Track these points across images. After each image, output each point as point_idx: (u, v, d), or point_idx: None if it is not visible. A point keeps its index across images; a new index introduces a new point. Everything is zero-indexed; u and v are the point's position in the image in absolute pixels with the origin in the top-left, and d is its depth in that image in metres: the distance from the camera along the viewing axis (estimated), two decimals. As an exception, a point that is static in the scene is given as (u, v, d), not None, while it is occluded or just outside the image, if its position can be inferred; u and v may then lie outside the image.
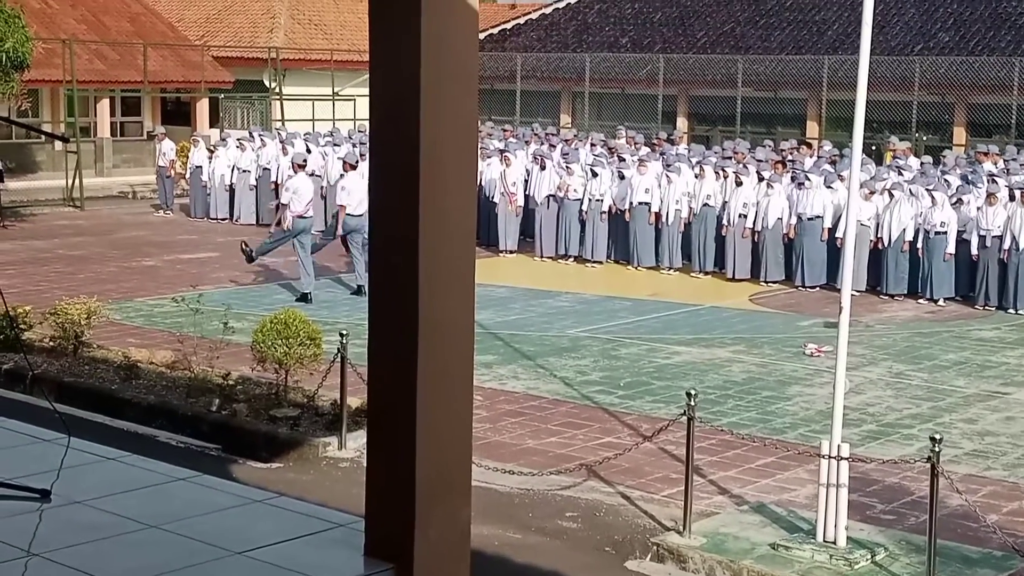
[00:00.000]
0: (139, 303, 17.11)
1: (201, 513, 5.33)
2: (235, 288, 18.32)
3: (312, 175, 23.48)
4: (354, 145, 22.91)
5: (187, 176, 27.61)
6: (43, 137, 31.29)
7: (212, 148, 26.57)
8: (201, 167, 26.39)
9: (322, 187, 23.51)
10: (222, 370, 12.46)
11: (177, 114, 37.60)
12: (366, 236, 16.70)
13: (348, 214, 17.55)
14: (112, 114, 35.23)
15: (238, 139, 26.60)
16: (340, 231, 17.90)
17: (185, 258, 21.20)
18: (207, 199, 26.29)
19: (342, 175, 19.11)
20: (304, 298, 17.23)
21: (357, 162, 18.48)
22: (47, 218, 26.64)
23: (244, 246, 18.27)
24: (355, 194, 17.40)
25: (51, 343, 13.56)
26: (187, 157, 27.87)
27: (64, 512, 5.26)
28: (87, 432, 7.71)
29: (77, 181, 28.56)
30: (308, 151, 24.14)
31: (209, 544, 4.95)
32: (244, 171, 25.69)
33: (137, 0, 37.56)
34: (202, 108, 36.09)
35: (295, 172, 18.26)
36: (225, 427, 11.46)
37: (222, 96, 36.45)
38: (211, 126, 35.05)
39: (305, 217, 17.56)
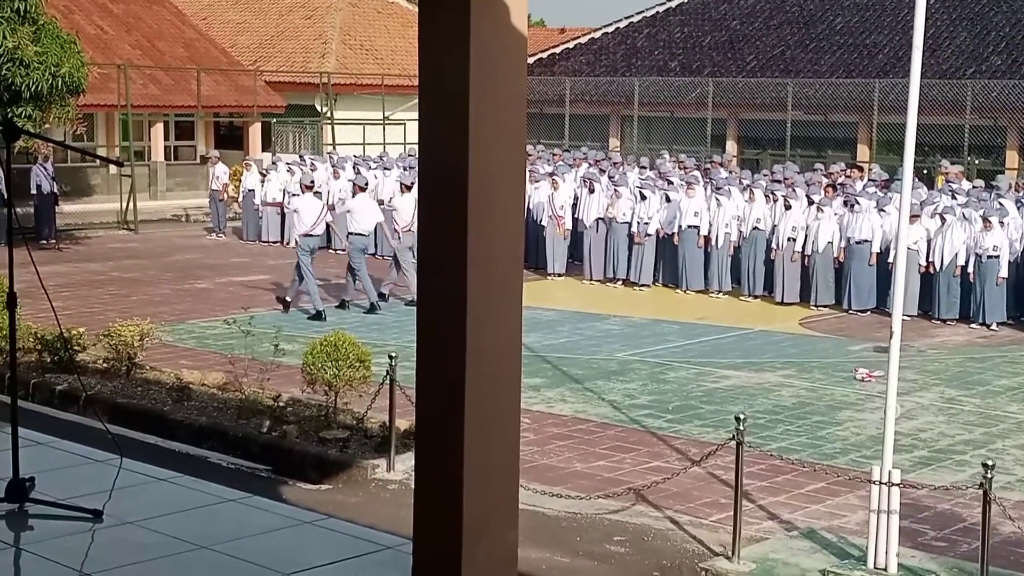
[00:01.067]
0: (191, 325, 17.27)
1: (251, 534, 5.38)
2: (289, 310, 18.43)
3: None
4: (363, 168, 23.57)
5: (239, 199, 27.90)
6: (98, 161, 31.67)
7: (264, 172, 26.81)
8: (253, 190, 26.64)
9: None
10: (273, 392, 12.55)
11: (230, 138, 37.98)
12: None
13: (356, 233, 18.36)
14: (166, 138, 35.64)
15: (288, 163, 26.82)
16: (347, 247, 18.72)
17: (237, 280, 21.38)
18: (259, 222, 26.52)
19: (351, 196, 20.07)
20: (318, 316, 17.71)
21: (366, 184, 19.47)
22: (101, 241, 26.96)
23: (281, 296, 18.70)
24: (361, 215, 18.40)
25: (104, 364, 13.71)
26: (239, 181, 28.14)
27: (116, 532, 5.33)
28: (139, 453, 7.80)
29: (131, 204, 28.90)
30: (357, 172, 24.45)
31: (258, 565, 4.99)
32: (294, 194, 25.86)
33: (191, 26, 38.02)
34: (254, 132, 36.44)
35: (302, 192, 18.96)
36: (275, 448, 11.53)
37: (274, 120, 36.80)
38: (263, 150, 35.36)
39: (312, 235, 18.09)
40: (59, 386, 13.26)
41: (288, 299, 18.38)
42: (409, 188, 19.05)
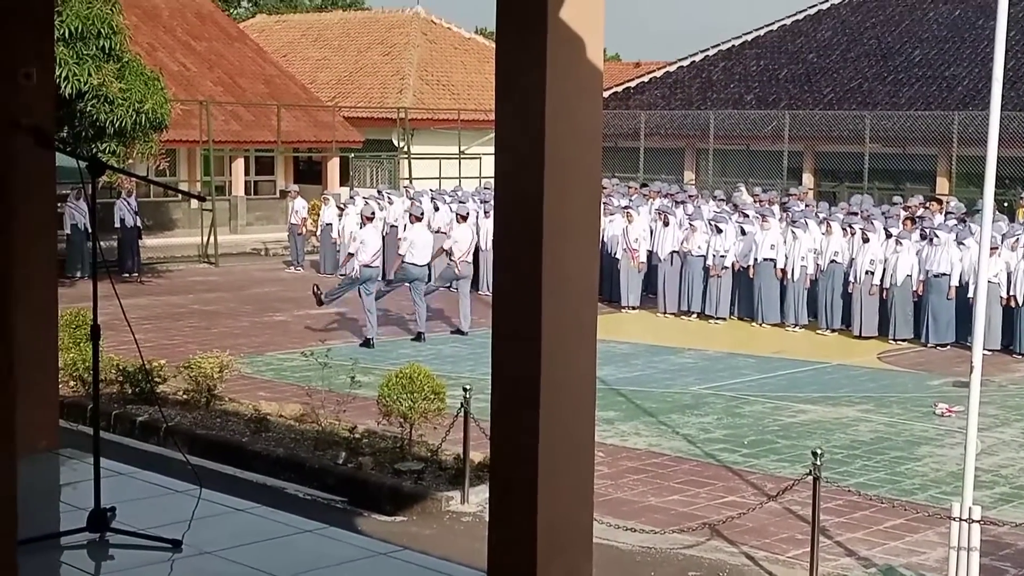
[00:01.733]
0: (269, 357, 17.46)
1: (327, 565, 5.43)
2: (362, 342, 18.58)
3: (438, 231, 24.35)
4: (421, 200, 24.18)
5: (317, 233, 28.23)
6: (180, 196, 32.21)
7: (342, 206, 27.10)
8: (331, 224, 26.93)
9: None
10: (349, 423, 12.65)
11: (309, 173, 38.47)
12: (428, 284, 19.33)
13: (411, 263, 18.87)
14: (246, 173, 36.19)
15: (366, 197, 27.10)
16: (398, 278, 19.21)
17: (315, 313, 21.57)
18: (336, 256, 26.77)
19: (406, 226, 20.66)
20: (367, 343, 18.16)
21: (422, 214, 19.95)
22: (182, 274, 27.38)
23: (316, 290, 19.40)
24: (417, 245, 18.91)
25: (185, 396, 13.90)
26: (318, 215, 28.47)
27: (194, 562, 5.40)
28: (218, 484, 7.90)
29: (212, 238, 29.33)
30: (436, 208, 24.81)
31: (334, 595, 5.03)
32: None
33: (271, 63, 38.63)
34: (333, 167, 36.87)
35: (363, 224, 19.53)
36: (351, 480, 11.61)
37: (352, 155, 37.20)
38: (341, 184, 35.75)
39: (371, 267, 18.54)
40: (140, 417, 13.47)
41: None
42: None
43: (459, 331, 19.42)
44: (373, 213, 20.32)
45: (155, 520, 5.74)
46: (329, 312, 20.44)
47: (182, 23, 37.23)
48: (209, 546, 5.52)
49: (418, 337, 18.88)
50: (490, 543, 4.65)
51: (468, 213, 20.34)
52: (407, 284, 19.01)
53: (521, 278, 4.42)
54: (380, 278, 19.56)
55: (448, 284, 20.30)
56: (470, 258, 19.68)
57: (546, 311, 4.36)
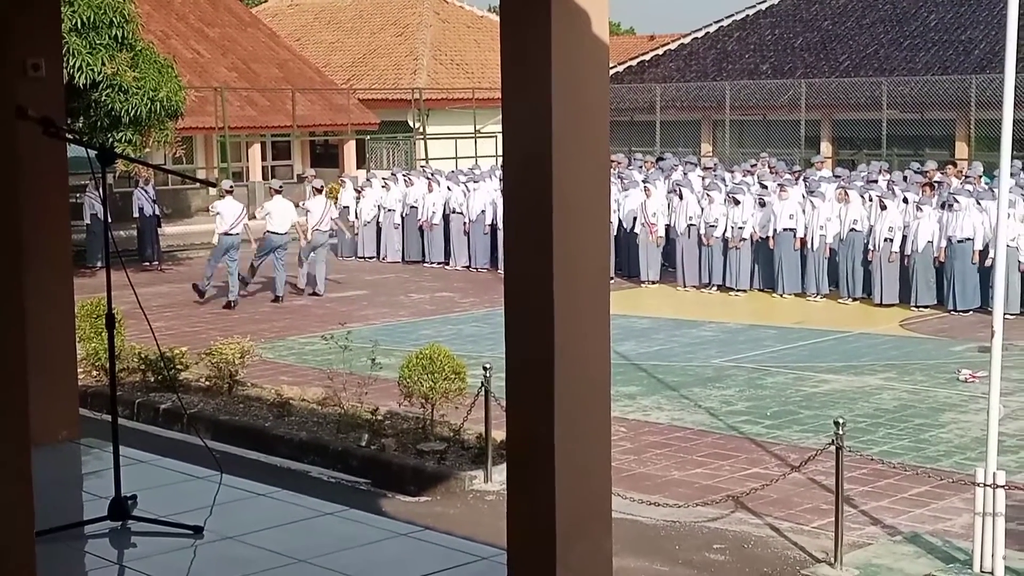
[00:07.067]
0: (291, 342, 17.50)
1: (350, 547, 5.44)
2: (382, 324, 18.63)
3: (455, 212, 24.39)
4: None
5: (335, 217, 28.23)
6: (197, 183, 32.24)
7: (359, 189, 27.10)
8: (348, 207, 26.94)
9: (465, 223, 24.43)
10: (371, 405, 12.67)
11: (325, 156, 38.49)
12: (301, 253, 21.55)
13: (272, 232, 20.62)
14: (263, 158, 36.23)
15: (383, 179, 27.11)
16: (264, 248, 20.83)
17: (334, 296, 21.61)
18: (355, 238, 26.80)
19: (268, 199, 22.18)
20: (228, 305, 20.28)
21: (280, 187, 21.94)
22: (202, 261, 27.36)
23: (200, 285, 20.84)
24: (275, 216, 20.70)
25: (207, 382, 13.95)
26: (335, 198, 28.48)
27: (217, 547, 5.42)
28: (241, 469, 7.93)
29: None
30: (450, 189, 24.90)
31: (355, 577, 5.04)
32: (389, 210, 26.17)
33: (285, 47, 38.61)
34: (349, 150, 36.88)
35: (223, 197, 20.96)
36: (374, 462, 11.64)
37: (368, 138, 37.20)
38: (358, 167, 35.77)
39: (231, 235, 20.31)
40: (163, 405, 13.52)
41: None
42: (319, 191, 22.21)
43: (315, 293, 21.37)
44: (231, 187, 21.76)
45: (176, 507, 5.76)
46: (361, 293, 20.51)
47: (194, 10, 37.24)
48: (231, 531, 5.54)
49: (276, 299, 20.73)
50: (509, 523, 4.65)
51: (321, 187, 22.58)
52: (273, 252, 20.66)
53: (532, 254, 4.40)
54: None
55: (310, 253, 21.73)
56: (324, 227, 21.56)
57: (558, 289, 4.34)
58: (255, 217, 23.82)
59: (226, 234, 20.34)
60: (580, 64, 4.44)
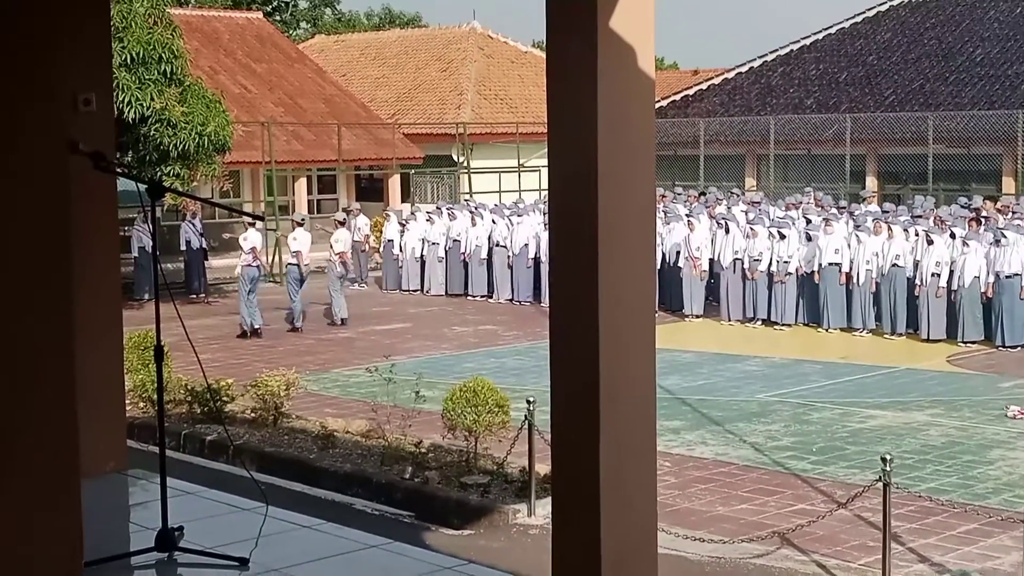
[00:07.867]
0: (335, 374, 17.57)
1: (393, 580, 5.43)
2: (426, 357, 18.66)
3: (498, 245, 24.41)
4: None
5: (380, 250, 28.41)
6: (243, 217, 32.47)
7: (403, 222, 27.23)
8: (393, 241, 27.08)
9: (508, 257, 24.41)
10: (414, 438, 12.69)
11: (370, 190, 38.68)
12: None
13: (293, 264, 21.43)
14: (309, 192, 36.46)
15: (427, 212, 27.24)
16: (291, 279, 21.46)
17: (379, 329, 21.70)
18: (399, 272, 26.92)
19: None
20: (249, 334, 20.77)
21: (303, 220, 22.52)
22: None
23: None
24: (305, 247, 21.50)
25: (252, 414, 14.02)
26: (380, 232, 28.64)
27: (262, 578, 5.42)
28: (286, 501, 7.95)
29: (276, 258, 29.56)
30: (494, 222, 25.02)
31: (400, 610, 5.04)
32: (433, 243, 26.27)
33: (331, 82, 38.93)
34: (394, 184, 37.06)
35: (246, 229, 21.53)
36: (418, 494, 11.64)
37: (412, 172, 37.38)
38: (403, 201, 35.92)
39: (252, 266, 21.02)
40: (209, 436, 13.60)
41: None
42: (343, 224, 23.04)
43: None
44: (344, 220, 23.12)
45: (222, 538, 5.78)
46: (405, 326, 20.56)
47: (242, 46, 37.64)
48: (277, 563, 5.55)
49: (294, 329, 21.47)
50: (554, 558, 4.64)
51: (345, 219, 23.75)
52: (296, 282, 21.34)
53: (577, 287, 4.41)
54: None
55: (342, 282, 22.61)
56: (346, 257, 22.78)
57: (603, 322, 4.34)
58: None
59: (248, 266, 21.10)
60: (626, 98, 4.46)
